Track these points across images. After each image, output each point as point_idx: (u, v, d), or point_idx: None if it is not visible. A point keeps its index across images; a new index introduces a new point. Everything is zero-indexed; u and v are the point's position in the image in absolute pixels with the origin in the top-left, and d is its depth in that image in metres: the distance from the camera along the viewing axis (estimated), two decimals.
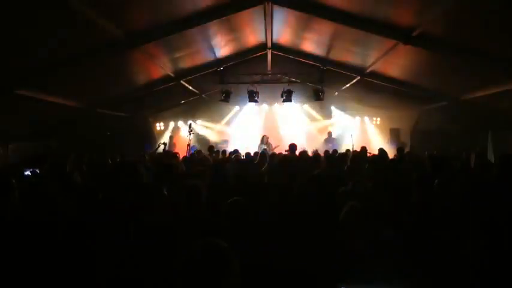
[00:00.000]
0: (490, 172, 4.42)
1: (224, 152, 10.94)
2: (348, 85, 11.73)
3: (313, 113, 14.41)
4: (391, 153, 8.75)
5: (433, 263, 2.47)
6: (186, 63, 9.90)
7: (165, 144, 9.46)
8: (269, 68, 12.02)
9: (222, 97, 11.93)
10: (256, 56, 11.17)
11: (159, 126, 14.22)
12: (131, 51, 7.03)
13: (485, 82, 7.85)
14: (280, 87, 12.09)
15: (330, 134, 13.47)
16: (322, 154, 8.27)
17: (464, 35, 6.18)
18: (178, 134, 14.32)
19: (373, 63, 9.13)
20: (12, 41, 5.30)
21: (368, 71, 9.83)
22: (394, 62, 8.63)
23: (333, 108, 14.26)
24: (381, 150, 7.33)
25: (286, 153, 8.63)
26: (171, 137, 13.97)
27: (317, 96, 11.91)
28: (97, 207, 3.17)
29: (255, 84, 11.86)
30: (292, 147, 8.37)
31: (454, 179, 3.21)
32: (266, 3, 7.21)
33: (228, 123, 14.75)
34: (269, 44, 10.14)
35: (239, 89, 12.07)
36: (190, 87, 11.62)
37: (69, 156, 6.04)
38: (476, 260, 2.44)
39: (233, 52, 10.49)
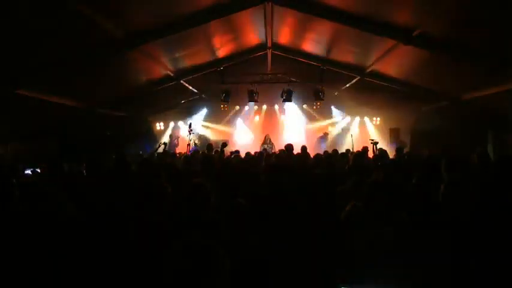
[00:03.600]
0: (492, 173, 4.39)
1: (223, 151, 10.90)
2: (348, 85, 11.73)
3: (313, 113, 14.40)
4: (391, 153, 8.73)
5: (433, 263, 2.46)
6: (186, 63, 9.90)
7: (165, 144, 9.45)
8: (269, 68, 12.02)
9: (222, 97, 11.94)
10: (256, 56, 11.16)
11: (159, 126, 14.23)
12: (131, 51, 7.03)
13: (485, 82, 7.85)
14: (280, 87, 12.09)
15: (325, 134, 13.48)
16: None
17: (464, 35, 6.19)
18: (179, 134, 14.31)
19: (373, 63, 9.13)
20: (12, 41, 5.30)
21: (368, 71, 9.83)
22: (394, 62, 8.63)
23: (333, 108, 14.25)
24: (382, 151, 7.33)
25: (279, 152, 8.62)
26: (170, 136, 13.98)
27: (317, 96, 11.91)
28: (98, 207, 3.17)
29: (255, 84, 11.86)
30: (289, 147, 8.36)
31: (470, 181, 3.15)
32: (266, 3, 7.21)
33: (228, 123, 14.74)
34: (269, 44, 10.14)
35: (239, 89, 12.07)
36: (190, 87, 11.62)
37: (69, 156, 6.04)
38: (477, 261, 2.43)
39: (233, 52, 10.49)
